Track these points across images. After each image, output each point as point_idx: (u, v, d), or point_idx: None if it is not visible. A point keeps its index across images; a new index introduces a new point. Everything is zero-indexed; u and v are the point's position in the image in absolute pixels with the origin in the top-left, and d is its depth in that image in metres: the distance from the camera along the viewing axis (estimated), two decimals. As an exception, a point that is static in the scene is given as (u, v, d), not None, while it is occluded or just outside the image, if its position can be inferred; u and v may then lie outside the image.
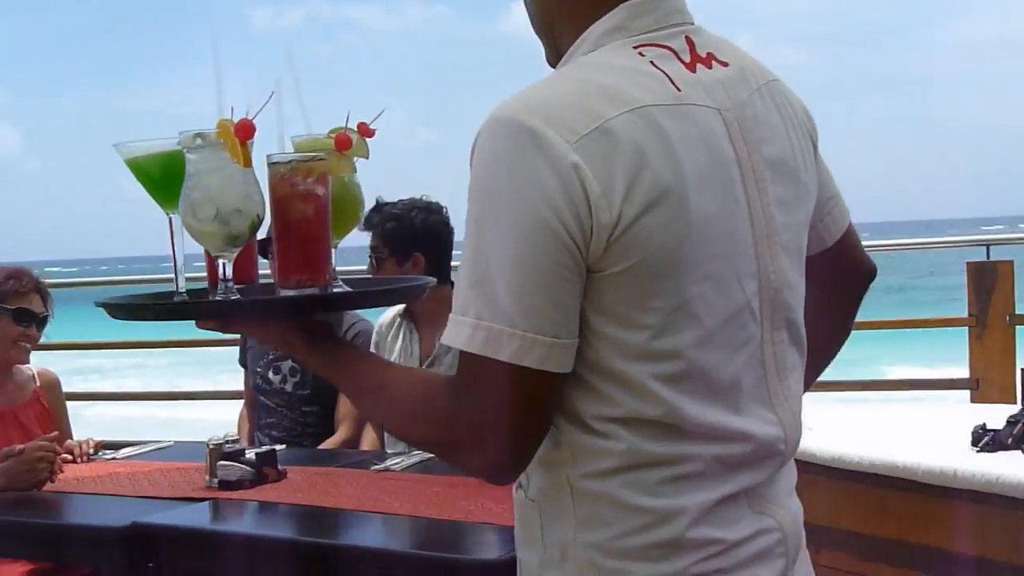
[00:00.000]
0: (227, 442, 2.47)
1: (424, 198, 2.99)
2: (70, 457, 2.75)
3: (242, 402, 3.57)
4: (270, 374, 3.33)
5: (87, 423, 3.89)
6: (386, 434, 3.12)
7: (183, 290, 1.33)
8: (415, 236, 2.89)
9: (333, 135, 1.35)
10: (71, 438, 2.94)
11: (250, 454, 2.50)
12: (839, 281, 1.31)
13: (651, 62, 1.03)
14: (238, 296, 1.28)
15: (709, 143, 1.02)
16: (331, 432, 3.28)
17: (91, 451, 2.90)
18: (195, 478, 2.54)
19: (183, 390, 8.41)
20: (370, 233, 2.92)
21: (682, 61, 1.05)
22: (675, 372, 1.00)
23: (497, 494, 2.07)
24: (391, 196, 2.98)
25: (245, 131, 1.24)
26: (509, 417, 0.99)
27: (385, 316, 3.11)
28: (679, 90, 1.02)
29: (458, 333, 0.99)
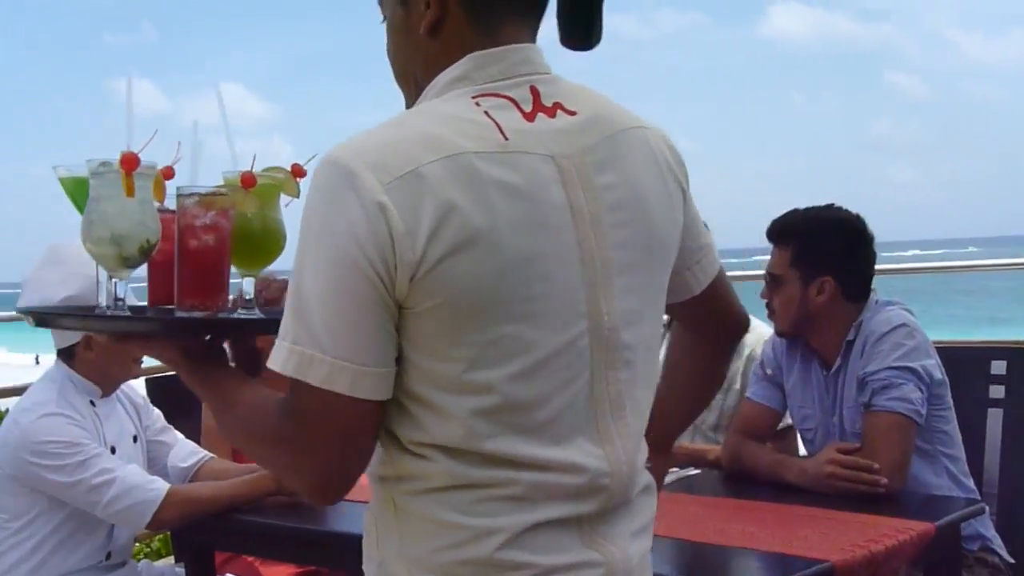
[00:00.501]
0: None
1: None
2: None
3: None
4: None
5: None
6: None
7: (104, 305, 1.41)
8: None
9: (273, 171, 1.47)
10: None
11: None
12: (709, 330, 1.41)
13: (485, 111, 1.09)
14: (126, 314, 1.40)
15: (534, 189, 1.07)
16: None
17: None
18: None
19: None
20: None
21: (521, 110, 1.11)
22: (489, 405, 1.06)
23: (759, 517, 2.12)
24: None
25: (129, 163, 1.35)
26: (323, 441, 1.07)
27: None
28: (506, 139, 1.07)
29: (276, 356, 1.06)
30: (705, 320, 1.38)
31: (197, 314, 1.35)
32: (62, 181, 1.52)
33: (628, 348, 1.14)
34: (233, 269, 1.41)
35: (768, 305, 2.44)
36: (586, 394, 1.11)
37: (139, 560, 2.80)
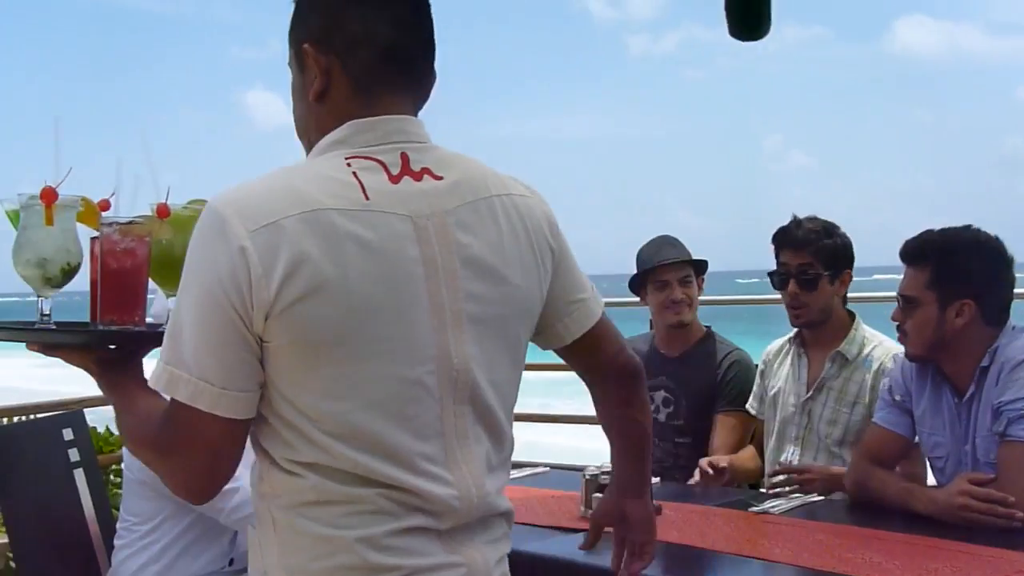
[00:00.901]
0: (603, 473, 2.32)
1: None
2: None
3: None
4: None
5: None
6: (768, 464, 2.95)
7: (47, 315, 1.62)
8: (849, 253, 2.85)
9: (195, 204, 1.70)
10: None
11: None
12: (598, 377, 1.58)
13: (354, 172, 1.23)
14: (51, 328, 1.57)
15: (388, 244, 1.21)
16: None
17: None
18: (570, 508, 2.49)
19: (552, 413, 6.00)
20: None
21: (388, 173, 1.26)
22: (343, 432, 1.20)
23: (886, 548, 2.09)
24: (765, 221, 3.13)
25: (47, 196, 1.56)
26: (190, 450, 1.24)
27: (772, 346, 3.05)
28: (368, 198, 1.21)
29: (154, 373, 1.24)
30: (595, 368, 1.57)
31: (102, 327, 1.53)
32: (6, 212, 1.70)
33: (478, 387, 1.29)
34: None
35: (899, 328, 2.38)
36: (436, 427, 1.26)
37: None
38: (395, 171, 1.27)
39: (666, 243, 3.18)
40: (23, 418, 3.82)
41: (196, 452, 1.25)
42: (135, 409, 1.35)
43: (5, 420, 4.00)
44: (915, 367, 2.42)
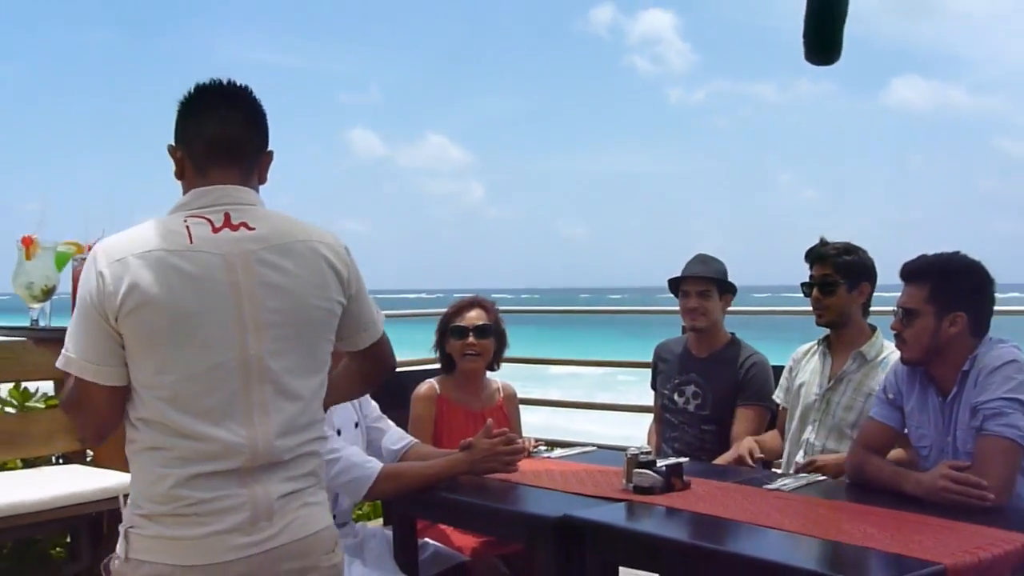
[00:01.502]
0: (642, 453, 2.50)
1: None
2: (525, 451, 2.67)
3: (650, 416, 3.61)
4: (675, 396, 3.39)
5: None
6: (788, 443, 3.15)
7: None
8: (867, 270, 3.03)
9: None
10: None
11: (661, 465, 2.49)
12: (368, 369, 2.09)
13: (186, 225, 1.74)
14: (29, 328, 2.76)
15: (203, 273, 1.71)
16: (725, 449, 3.18)
17: (531, 448, 2.96)
18: (613, 481, 2.60)
19: (602, 402, 6.84)
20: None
21: (213, 226, 1.75)
22: (168, 396, 1.69)
23: (879, 521, 2.19)
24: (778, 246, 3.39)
25: (26, 242, 2.71)
26: (84, 409, 1.78)
27: (800, 348, 3.21)
28: (192, 242, 1.72)
29: (59, 356, 1.75)
30: (369, 364, 2.06)
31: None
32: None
33: (273, 372, 1.75)
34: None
35: (898, 335, 2.53)
36: (240, 396, 1.73)
37: (356, 522, 3.00)
38: (218, 224, 1.76)
39: (699, 260, 3.36)
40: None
41: (87, 410, 1.77)
42: (68, 380, 1.79)
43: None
44: (906, 371, 2.56)
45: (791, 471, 2.89)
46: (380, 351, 2.04)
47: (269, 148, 1.93)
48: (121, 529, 1.76)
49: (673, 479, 2.51)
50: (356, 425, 2.79)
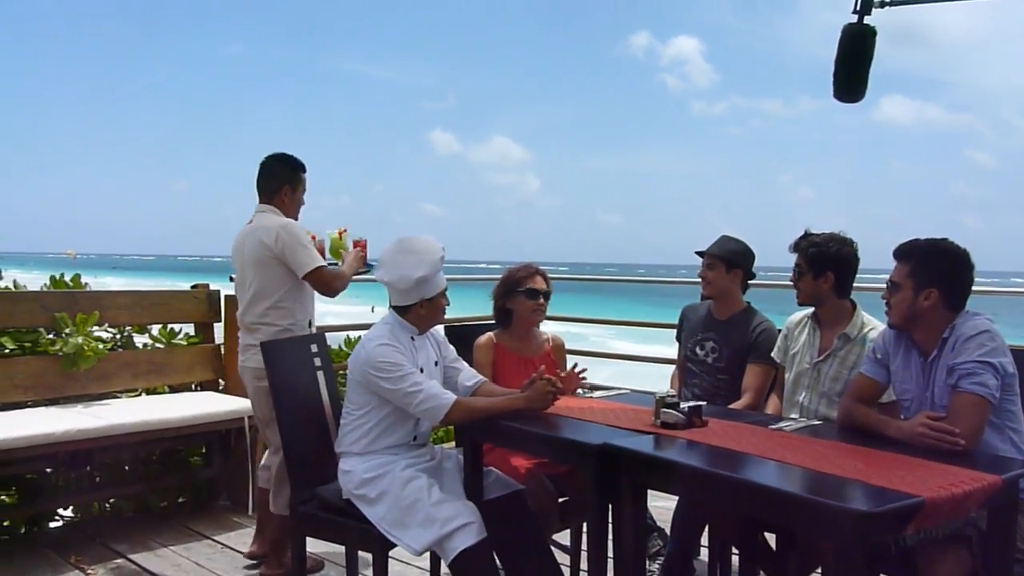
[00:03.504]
0: (668, 395, 2.50)
1: (842, 232, 2.94)
2: (567, 392, 2.83)
3: (674, 366, 3.54)
4: (697, 349, 3.34)
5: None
6: (784, 402, 3.03)
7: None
8: (830, 259, 2.89)
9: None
10: None
11: (684, 406, 2.48)
12: (314, 287, 3.46)
13: (250, 221, 3.41)
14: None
15: (237, 241, 3.37)
16: (737, 396, 3.16)
17: (580, 385, 2.97)
18: (644, 418, 2.60)
19: (632, 354, 6.32)
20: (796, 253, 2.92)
21: (248, 224, 3.37)
22: None
23: (867, 459, 2.16)
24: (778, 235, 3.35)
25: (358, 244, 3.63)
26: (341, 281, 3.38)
27: (794, 317, 3.09)
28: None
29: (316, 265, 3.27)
30: (312, 285, 3.35)
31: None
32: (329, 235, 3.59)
33: (250, 279, 3.33)
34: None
35: (887, 303, 2.50)
36: (242, 289, 3.44)
37: (434, 444, 3.01)
38: (247, 224, 3.32)
39: (718, 240, 3.34)
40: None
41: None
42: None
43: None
44: (893, 334, 2.52)
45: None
46: (312, 281, 3.28)
47: (286, 184, 3.41)
48: None
49: (693, 418, 2.50)
50: (436, 364, 2.80)
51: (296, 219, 3.41)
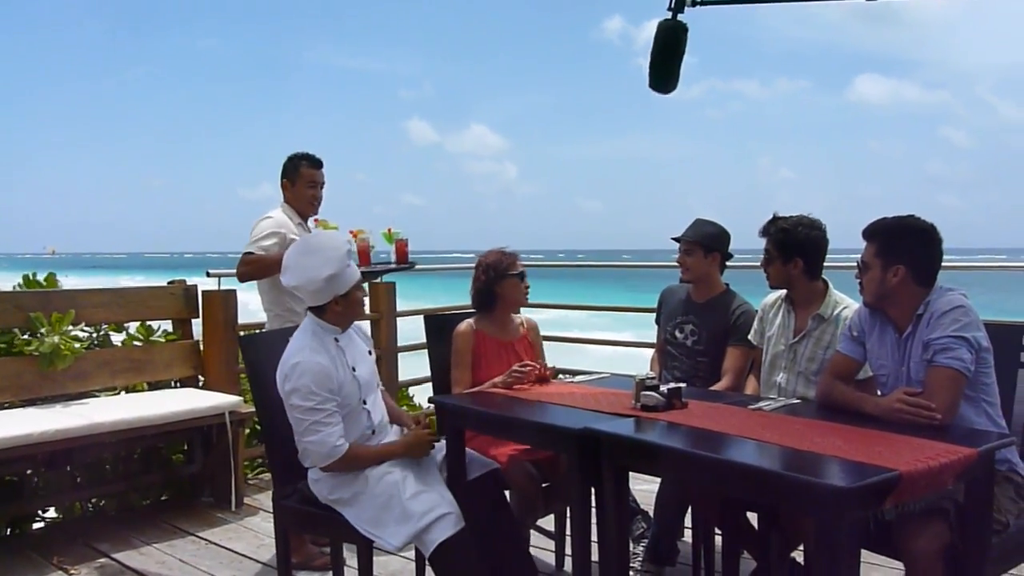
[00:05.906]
0: (648, 378, 2.51)
1: (809, 215, 2.94)
2: (546, 376, 2.99)
3: (653, 349, 3.56)
4: (676, 332, 3.36)
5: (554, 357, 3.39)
6: (761, 383, 3.04)
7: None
8: (798, 244, 2.88)
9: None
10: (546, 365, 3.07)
11: (663, 388, 2.49)
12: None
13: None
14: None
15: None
16: (717, 378, 3.17)
17: (551, 374, 3.05)
18: (624, 401, 2.61)
19: (612, 339, 6.31)
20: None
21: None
22: None
23: (845, 435, 2.16)
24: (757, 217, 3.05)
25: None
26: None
27: (768, 298, 3.09)
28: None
29: None
30: None
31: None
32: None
33: None
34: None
35: (860, 283, 2.52)
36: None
37: None
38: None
39: (693, 224, 3.34)
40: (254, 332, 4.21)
41: None
42: None
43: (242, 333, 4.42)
44: (868, 312, 2.53)
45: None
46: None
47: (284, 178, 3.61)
48: None
49: (673, 400, 2.51)
50: (370, 352, 2.75)
51: (307, 211, 3.66)
